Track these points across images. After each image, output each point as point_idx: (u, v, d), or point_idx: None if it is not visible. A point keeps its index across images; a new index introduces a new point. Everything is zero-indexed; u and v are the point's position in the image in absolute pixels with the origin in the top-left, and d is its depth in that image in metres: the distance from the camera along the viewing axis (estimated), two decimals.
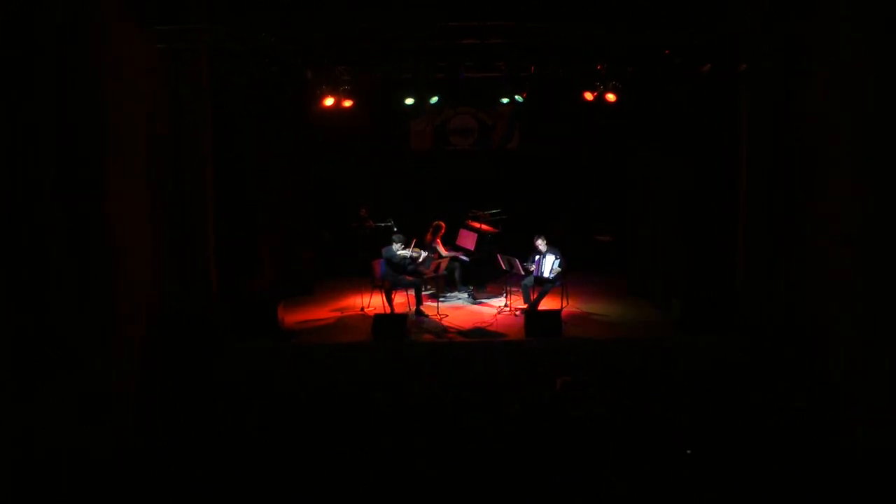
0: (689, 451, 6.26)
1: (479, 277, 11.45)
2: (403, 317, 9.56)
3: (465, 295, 11.05)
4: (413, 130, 12.63)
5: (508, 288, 10.72)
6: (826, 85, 7.67)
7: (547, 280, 10.22)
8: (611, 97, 9.74)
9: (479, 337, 9.41)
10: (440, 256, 10.79)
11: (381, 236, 11.14)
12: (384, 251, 10.23)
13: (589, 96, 9.93)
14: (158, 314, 7.92)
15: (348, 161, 12.57)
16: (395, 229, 10.69)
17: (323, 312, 10.58)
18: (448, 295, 11.10)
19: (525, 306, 10.28)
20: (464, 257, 11.16)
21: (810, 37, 7.99)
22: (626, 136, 11.24)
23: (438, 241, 11.05)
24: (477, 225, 11.37)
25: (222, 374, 8.28)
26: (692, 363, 8.35)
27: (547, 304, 10.31)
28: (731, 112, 9.59)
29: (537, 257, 10.35)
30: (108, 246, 6.69)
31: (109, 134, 6.82)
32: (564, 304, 10.31)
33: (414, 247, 10.31)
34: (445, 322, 9.99)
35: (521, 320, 9.73)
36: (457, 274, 11.18)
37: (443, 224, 11.09)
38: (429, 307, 10.49)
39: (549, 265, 10.22)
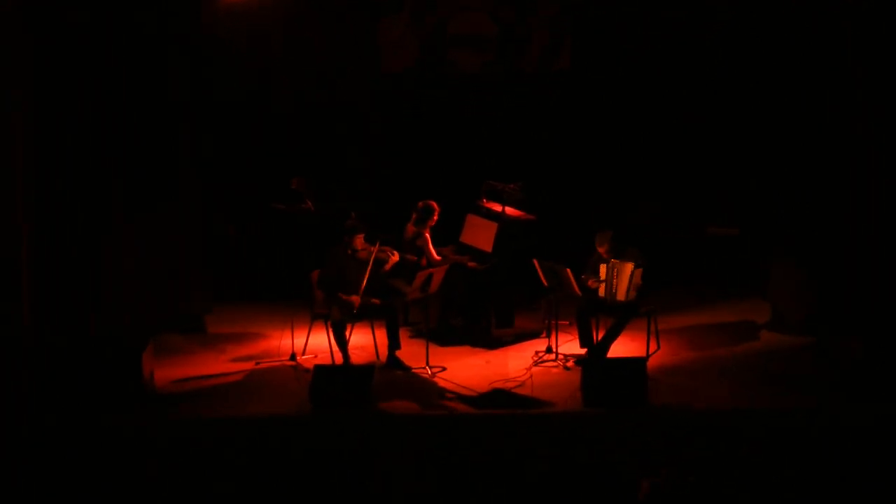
0: None
1: (502, 300, 11.31)
2: (368, 370, 9.57)
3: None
4: (384, 40, 12.77)
5: (553, 319, 10.66)
6: None
7: (621, 306, 10.22)
8: None
9: (500, 406, 9.47)
10: (431, 263, 10.78)
11: (328, 227, 11.20)
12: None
13: None
14: None
15: (267, 99, 12.69)
16: (353, 215, 10.74)
17: (223, 363, 10.60)
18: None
19: (583, 351, 10.28)
20: (473, 264, 11.10)
21: None
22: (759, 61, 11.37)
23: (427, 235, 11.01)
24: (497, 208, 11.32)
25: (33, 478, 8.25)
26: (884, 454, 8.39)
27: (621, 347, 10.30)
28: None
29: (603, 266, 10.31)
30: None
31: None
32: (653, 347, 10.33)
33: (380, 247, 10.29)
34: (441, 378, 9.99)
35: (576, 376, 9.70)
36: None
37: (435, 205, 11.04)
38: (411, 351, 10.47)
39: (626, 280, 10.20)
